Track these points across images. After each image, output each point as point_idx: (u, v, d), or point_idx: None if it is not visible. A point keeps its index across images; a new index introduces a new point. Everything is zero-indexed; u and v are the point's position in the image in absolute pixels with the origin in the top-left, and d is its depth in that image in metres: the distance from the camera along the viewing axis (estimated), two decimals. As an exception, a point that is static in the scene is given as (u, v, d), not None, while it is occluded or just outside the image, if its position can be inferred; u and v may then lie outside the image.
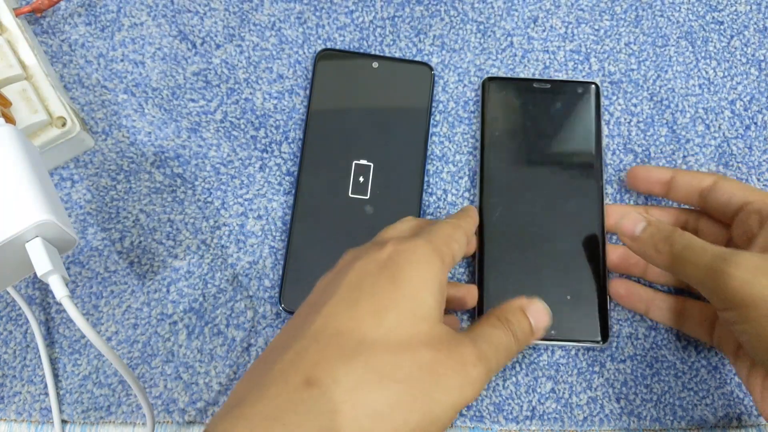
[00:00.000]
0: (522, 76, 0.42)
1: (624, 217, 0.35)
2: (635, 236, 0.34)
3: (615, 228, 0.36)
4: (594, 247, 0.38)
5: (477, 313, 0.37)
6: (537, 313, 0.31)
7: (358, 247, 0.31)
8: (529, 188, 0.39)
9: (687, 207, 0.39)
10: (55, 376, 0.37)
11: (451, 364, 0.26)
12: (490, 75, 0.41)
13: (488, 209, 0.38)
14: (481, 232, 0.38)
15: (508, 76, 0.42)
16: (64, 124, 0.37)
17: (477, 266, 0.38)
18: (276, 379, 0.25)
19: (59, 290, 0.29)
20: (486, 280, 0.37)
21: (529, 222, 0.38)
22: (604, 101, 0.42)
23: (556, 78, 0.42)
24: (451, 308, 0.37)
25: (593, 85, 0.41)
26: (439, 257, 0.29)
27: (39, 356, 0.37)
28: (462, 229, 0.33)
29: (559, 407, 0.37)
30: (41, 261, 0.29)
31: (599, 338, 0.37)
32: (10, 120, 0.34)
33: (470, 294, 0.36)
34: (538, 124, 0.40)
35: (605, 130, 0.41)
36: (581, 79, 0.42)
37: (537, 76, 0.42)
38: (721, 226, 0.37)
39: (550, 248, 0.38)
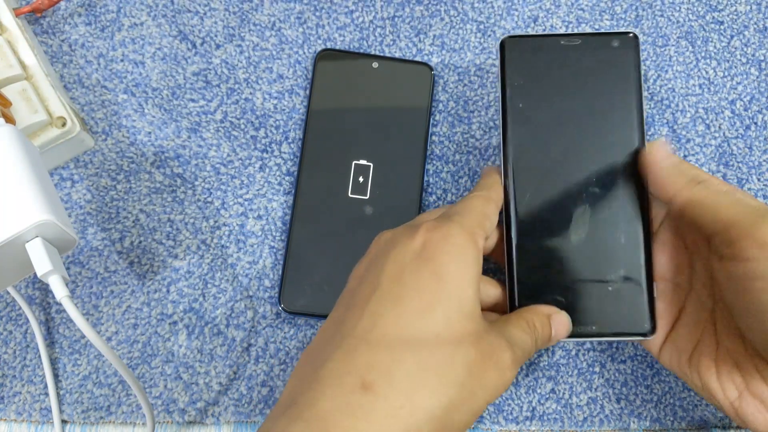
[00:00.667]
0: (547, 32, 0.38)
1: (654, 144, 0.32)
2: (666, 162, 0.31)
3: (645, 154, 0.32)
4: (637, 228, 0.33)
5: (509, 303, 0.34)
6: (560, 324, 0.32)
7: (393, 230, 0.31)
8: (562, 165, 0.34)
9: None
10: (55, 376, 0.37)
11: (493, 366, 0.27)
12: (510, 34, 0.38)
13: (516, 191, 0.34)
14: (508, 217, 0.34)
15: (531, 33, 0.38)
16: (64, 124, 0.37)
17: (507, 256, 0.34)
18: (329, 379, 0.25)
19: (59, 290, 0.29)
20: (518, 270, 0.33)
21: (564, 204, 0.33)
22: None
23: (586, 32, 0.37)
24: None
25: (630, 36, 0.34)
26: (473, 243, 0.29)
27: (39, 356, 0.37)
28: (493, 201, 0.32)
29: (559, 408, 0.37)
30: (41, 261, 0.29)
31: (648, 329, 0.33)
32: (10, 120, 0.34)
33: (497, 294, 0.34)
34: (568, 88, 0.34)
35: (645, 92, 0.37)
36: (616, 30, 0.37)
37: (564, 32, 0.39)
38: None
39: (590, 232, 0.33)
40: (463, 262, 0.28)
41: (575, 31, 0.42)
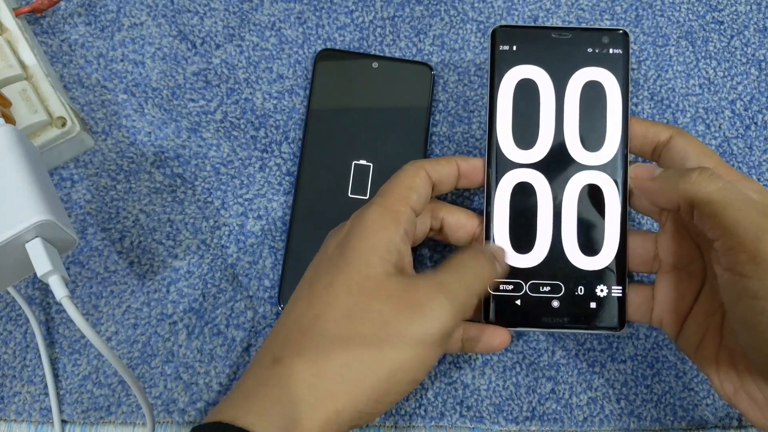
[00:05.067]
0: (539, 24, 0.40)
1: (637, 166, 0.34)
2: (655, 176, 0.32)
3: (630, 178, 0.34)
4: (614, 225, 0.34)
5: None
6: (493, 248, 0.33)
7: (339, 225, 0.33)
8: (546, 156, 0.34)
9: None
10: (55, 376, 0.37)
11: (404, 309, 0.28)
12: (501, 24, 0.38)
13: (498, 185, 0.34)
14: (489, 209, 0.34)
15: (522, 24, 0.39)
16: (64, 124, 0.37)
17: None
18: (255, 362, 0.29)
19: (59, 290, 0.29)
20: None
21: (545, 198, 0.34)
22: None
23: (578, 26, 0.38)
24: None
25: (620, 32, 0.35)
26: (391, 218, 0.30)
27: (39, 356, 0.37)
28: (424, 172, 0.32)
29: (559, 408, 0.37)
30: (41, 261, 0.29)
31: (616, 325, 0.34)
32: (10, 120, 0.34)
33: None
34: (557, 81, 0.35)
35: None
36: (606, 26, 0.38)
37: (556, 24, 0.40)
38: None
39: (565, 226, 0.34)
40: (372, 238, 0.29)
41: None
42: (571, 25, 0.38)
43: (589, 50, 0.35)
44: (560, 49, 0.35)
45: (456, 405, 0.37)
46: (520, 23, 0.42)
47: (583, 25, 0.38)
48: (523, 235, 0.34)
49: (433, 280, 0.29)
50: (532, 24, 0.39)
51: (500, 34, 0.35)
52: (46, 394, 0.36)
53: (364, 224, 0.30)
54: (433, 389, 0.37)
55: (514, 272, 0.34)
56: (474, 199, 0.40)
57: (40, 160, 0.33)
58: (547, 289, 0.34)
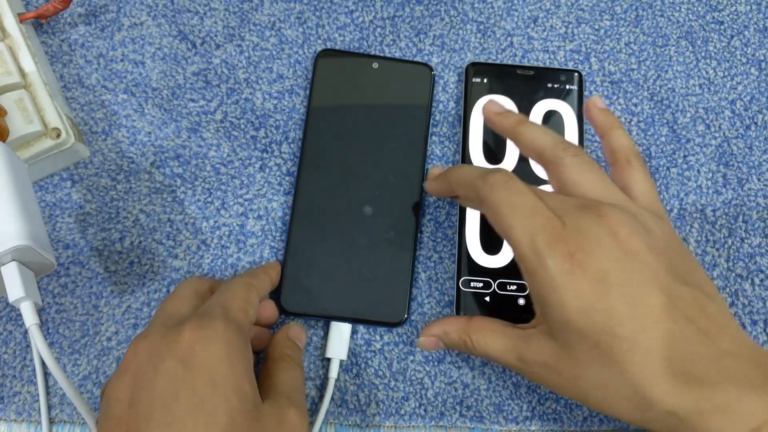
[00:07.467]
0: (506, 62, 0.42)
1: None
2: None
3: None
4: None
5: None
6: (298, 335, 0.36)
7: (147, 336, 0.29)
8: (512, 171, 0.39)
9: None
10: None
11: None
12: (473, 61, 0.42)
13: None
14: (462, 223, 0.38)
15: (491, 62, 0.42)
16: (58, 135, 0.37)
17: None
18: None
19: (29, 317, 0.29)
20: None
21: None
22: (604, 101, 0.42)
23: (540, 65, 0.42)
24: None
25: (576, 74, 0.41)
26: (241, 334, 0.29)
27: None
28: (255, 289, 0.33)
29: (558, 407, 0.37)
30: (14, 287, 0.29)
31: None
32: (3, 129, 0.34)
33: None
34: (523, 109, 0.40)
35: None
36: (564, 67, 0.42)
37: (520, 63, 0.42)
38: None
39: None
40: (235, 358, 0.27)
41: (575, 32, 0.43)
42: (532, 64, 0.42)
43: (549, 85, 0.41)
44: (524, 83, 0.41)
45: (456, 405, 0.37)
46: (525, 32, 0.43)
47: (543, 65, 0.42)
48: (491, 239, 0.38)
49: (289, 403, 0.30)
50: (500, 62, 0.42)
51: (472, 69, 0.41)
52: (47, 394, 0.36)
53: (215, 339, 0.27)
54: (433, 389, 0.37)
55: (484, 272, 0.37)
56: (447, 206, 0.40)
57: (27, 177, 0.32)
58: (514, 287, 0.37)
